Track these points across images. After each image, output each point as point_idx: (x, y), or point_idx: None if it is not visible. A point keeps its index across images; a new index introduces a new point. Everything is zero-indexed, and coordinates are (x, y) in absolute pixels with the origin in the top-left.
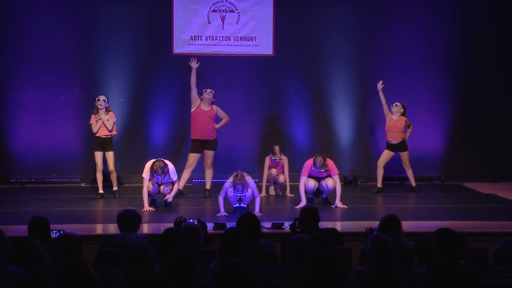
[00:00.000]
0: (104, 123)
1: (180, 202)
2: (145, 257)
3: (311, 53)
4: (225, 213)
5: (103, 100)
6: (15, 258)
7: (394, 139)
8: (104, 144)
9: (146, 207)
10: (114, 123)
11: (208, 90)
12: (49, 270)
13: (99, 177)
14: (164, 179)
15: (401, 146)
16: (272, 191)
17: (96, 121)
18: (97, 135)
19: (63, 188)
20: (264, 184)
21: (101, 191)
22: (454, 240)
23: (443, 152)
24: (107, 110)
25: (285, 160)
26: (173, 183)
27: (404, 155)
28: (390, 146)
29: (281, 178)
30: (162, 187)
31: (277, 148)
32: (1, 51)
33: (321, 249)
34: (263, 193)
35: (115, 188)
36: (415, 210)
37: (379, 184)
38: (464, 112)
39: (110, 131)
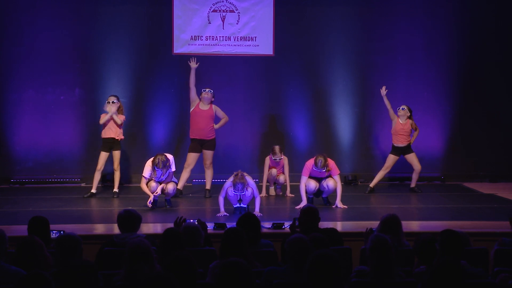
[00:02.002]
0: (113, 117)
1: (180, 202)
2: (146, 257)
3: (311, 53)
4: (225, 213)
5: (112, 102)
6: (19, 257)
7: (401, 143)
8: (112, 144)
9: (151, 194)
10: (122, 123)
11: (207, 89)
12: (49, 270)
13: (97, 176)
14: (165, 173)
15: (406, 149)
16: (272, 191)
17: (105, 115)
18: (104, 136)
19: (63, 188)
20: (264, 184)
21: (93, 190)
22: (458, 242)
23: (443, 152)
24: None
25: (285, 160)
26: (173, 180)
27: (413, 159)
28: (396, 150)
29: (281, 178)
30: (162, 184)
31: (277, 148)
32: (1, 51)
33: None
34: (263, 193)
35: (115, 190)
36: (415, 210)
37: (372, 184)
38: (464, 112)
39: (120, 125)
